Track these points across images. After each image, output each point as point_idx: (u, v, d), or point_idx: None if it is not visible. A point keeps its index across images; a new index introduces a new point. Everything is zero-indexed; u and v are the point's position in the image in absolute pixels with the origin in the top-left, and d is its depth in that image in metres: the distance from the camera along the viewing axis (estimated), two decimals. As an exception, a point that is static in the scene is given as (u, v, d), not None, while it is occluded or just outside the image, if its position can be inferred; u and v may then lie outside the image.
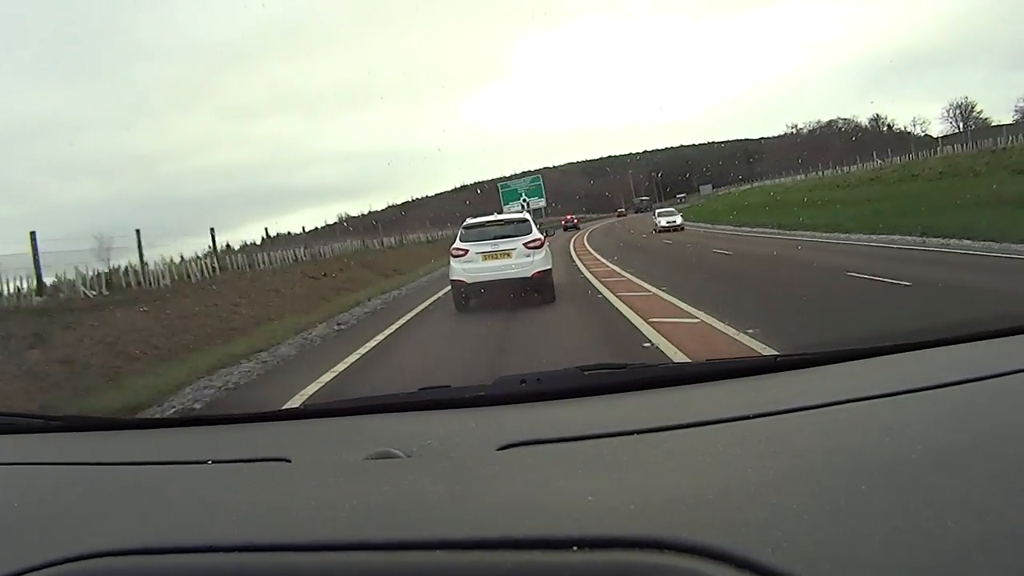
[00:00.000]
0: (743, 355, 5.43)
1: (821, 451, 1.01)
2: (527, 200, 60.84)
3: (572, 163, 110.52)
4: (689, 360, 5.67)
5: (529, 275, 10.44)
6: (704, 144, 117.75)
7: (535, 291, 10.58)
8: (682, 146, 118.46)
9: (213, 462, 1.29)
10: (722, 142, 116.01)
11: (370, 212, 72.47)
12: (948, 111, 79.52)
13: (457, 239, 11.05)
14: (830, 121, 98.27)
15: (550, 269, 10.98)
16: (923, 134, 79.64)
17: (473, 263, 10.58)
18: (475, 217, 11.90)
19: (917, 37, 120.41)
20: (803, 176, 65.44)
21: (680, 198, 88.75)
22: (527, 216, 11.65)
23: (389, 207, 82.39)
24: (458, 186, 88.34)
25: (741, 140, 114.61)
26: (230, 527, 0.96)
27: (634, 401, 1.39)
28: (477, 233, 10.98)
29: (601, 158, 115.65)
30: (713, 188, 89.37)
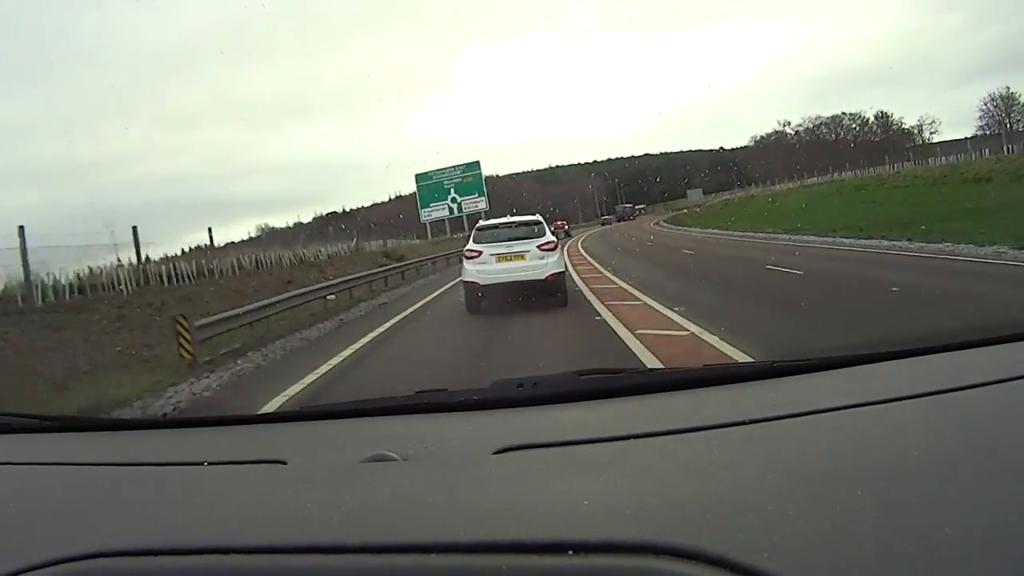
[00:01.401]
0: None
1: (817, 457, 1.01)
2: (458, 199, 49.28)
3: (524, 172, 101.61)
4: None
5: (543, 277, 10.37)
6: (661, 154, 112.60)
7: (549, 293, 10.53)
8: (633, 156, 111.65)
9: (209, 464, 1.29)
10: (675, 152, 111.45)
11: (297, 223, 64.45)
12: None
13: (470, 241, 11.02)
14: (833, 117, 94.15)
15: (564, 272, 10.97)
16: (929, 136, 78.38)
17: (487, 265, 10.53)
18: (486, 219, 11.95)
19: (861, 55, 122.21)
20: (799, 182, 62.68)
21: (640, 208, 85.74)
22: (540, 218, 11.58)
23: (316, 217, 73.51)
24: (394, 196, 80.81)
25: (695, 151, 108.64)
26: (226, 529, 0.96)
27: (630, 406, 1.39)
28: (490, 235, 10.94)
29: (552, 167, 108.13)
30: (704, 194, 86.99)
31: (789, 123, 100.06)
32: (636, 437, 1.14)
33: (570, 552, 0.76)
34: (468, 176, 50.86)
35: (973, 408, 1.13)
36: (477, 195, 49.94)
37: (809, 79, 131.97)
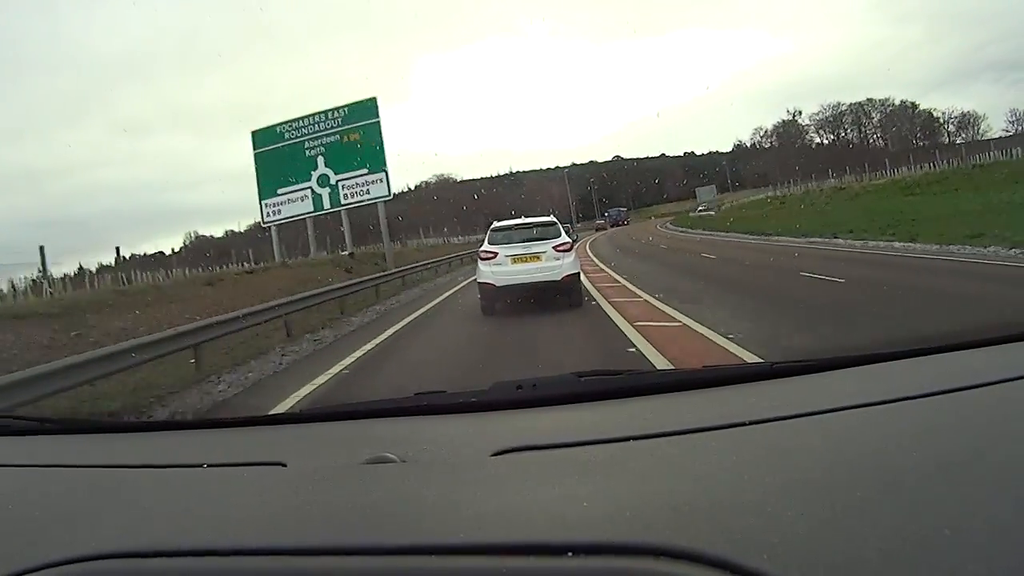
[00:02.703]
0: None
1: (816, 458, 1.01)
2: (332, 179, 25.36)
3: (485, 177, 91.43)
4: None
5: (559, 278, 10.34)
6: (632, 159, 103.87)
7: (564, 294, 10.51)
8: (603, 162, 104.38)
9: (209, 466, 1.29)
10: (643, 158, 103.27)
11: (230, 231, 58.81)
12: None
13: (485, 242, 10.99)
14: (856, 104, 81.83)
15: (579, 273, 10.95)
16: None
17: (502, 266, 10.50)
18: (501, 220, 11.84)
19: (826, 66, 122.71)
20: (817, 183, 56.49)
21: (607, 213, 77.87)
22: (555, 219, 11.54)
23: (254, 226, 69.35)
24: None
25: (660, 157, 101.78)
26: (225, 531, 0.97)
27: (630, 407, 1.39)
28: (505, 236, 10.90)
29: (514, 172, 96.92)
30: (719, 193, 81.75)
31: (800, 112, 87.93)
32: (636, 439, 1.14)
33: (569, 554, 0.76)
34: (352, 132, 25.77)
35: (972, 410, 1.13)
36: (369, 171, 25.48)
37: (773, 89, 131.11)
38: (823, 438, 1.09)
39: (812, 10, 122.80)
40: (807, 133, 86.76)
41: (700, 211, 61.12)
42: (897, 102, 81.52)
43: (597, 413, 1.39)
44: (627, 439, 1.14)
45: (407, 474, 1.11)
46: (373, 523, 0.93)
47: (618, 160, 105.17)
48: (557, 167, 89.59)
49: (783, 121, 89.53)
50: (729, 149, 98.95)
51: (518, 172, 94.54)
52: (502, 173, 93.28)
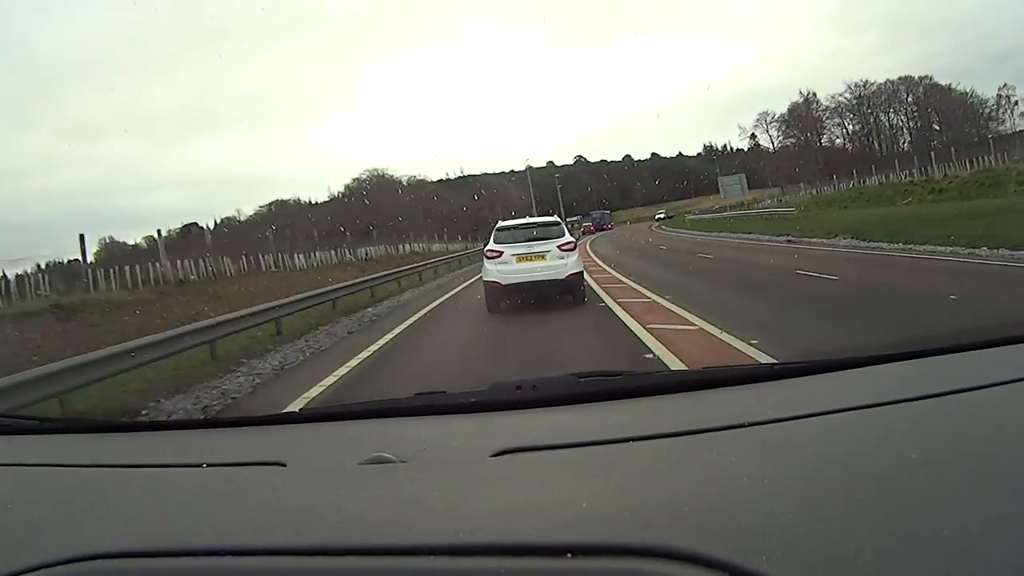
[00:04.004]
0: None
1: (817, 460, 1.01)
2: None
3: (438, 180, 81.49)
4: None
5: (563, 277, 10.57)
6: (600, 161, 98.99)
7: (567, 293, 10.73)
8: (563, 165, 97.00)
9: (208, 465, 1.29)
10: (610, 161, 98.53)
11: (150, 237, 47.53)
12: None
13: (491, 241, 11.22)
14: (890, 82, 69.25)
15: (582, 272, 11.17)
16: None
17: (508, 265, 10.72)
18: (505, 220, 12.08)
19: (777, 74, 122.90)
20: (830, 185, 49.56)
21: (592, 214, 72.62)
22: (558, 219, 11.84)
23: (184, 227, 57.28)
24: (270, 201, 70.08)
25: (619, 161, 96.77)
26: (224, 531, 0.97)
27: (630, 408, 1.39)
28: (510, 235, 11.14)
29: (466, 175, 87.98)
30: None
31: (814, 94, 74.40)
32: (635, 440, 1.14)
33: (569, 555, 0.76)
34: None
35: (972, 411, 1.13)
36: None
37: (726, 97, 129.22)
38: (823, 439, 1.09)
39: (765, 18, 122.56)
40: (823, 122, 74.09)
41: (727, 210, 48.56)
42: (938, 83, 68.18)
43: (597, 414, 1.39)
44: (627, 440, 1.14)
45: (407, 474, 1.11)
46: (373, 523, 0.93)
47: (581, 161, 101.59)
48: (512, 171, 79.49)
49: (795, 104, 75.94)
50: (695, 152, 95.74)
51: (471, 175, 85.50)
52: (453, 176, 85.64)
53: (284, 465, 1.23)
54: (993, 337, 1.45)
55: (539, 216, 12.34)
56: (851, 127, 74.15)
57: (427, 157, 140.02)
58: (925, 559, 0.70)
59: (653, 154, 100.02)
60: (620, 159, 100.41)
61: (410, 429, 1.43)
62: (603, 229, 61.90)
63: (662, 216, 69.38)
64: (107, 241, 52.56)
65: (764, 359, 5.52)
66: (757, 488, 0.90)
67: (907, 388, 1.24)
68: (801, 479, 0.94)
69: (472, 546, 0.81)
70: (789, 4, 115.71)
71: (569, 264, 10.68)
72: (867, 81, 72.18)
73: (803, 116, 74.41)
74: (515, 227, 11.52)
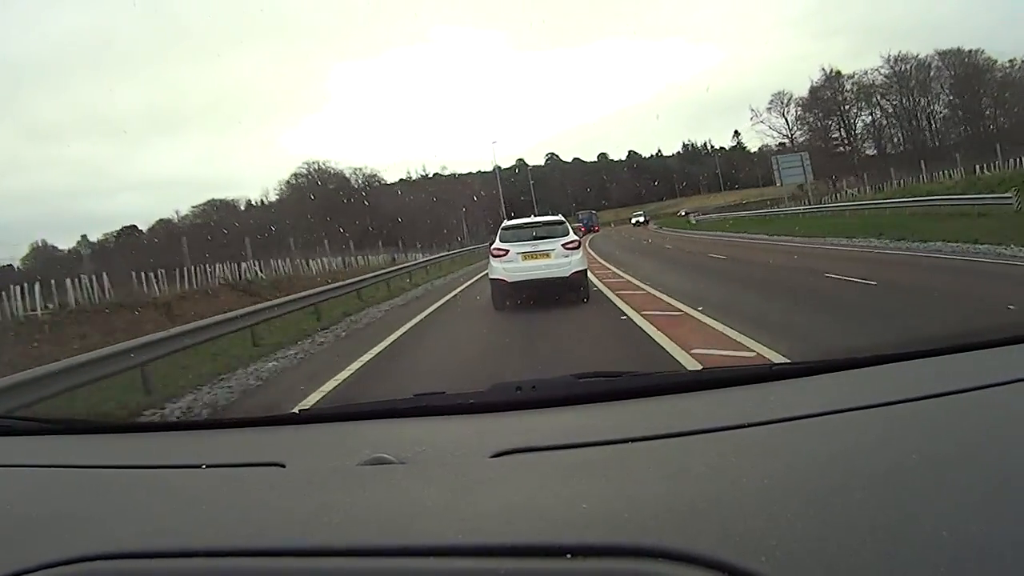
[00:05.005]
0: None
1: (816, 460, 1.01)
2: None
3: (402, 180, 72.31)
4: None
5: (568, 275, 10.76)
6: (573, 161, 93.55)
7: (572, 290, 10.88)
8: (530, 166, 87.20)
9: (207, 466, 1.29)
10: (576, 159, 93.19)
11: (82, 241, 42.27)
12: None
13: (496, 239, 11.41)
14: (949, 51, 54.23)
15: (586, 270, 11.37)
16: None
17: (513, 263, 10.88)
18: (511, 219, 12.28)
19: (747, 78, 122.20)
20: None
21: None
22: (563, 218, 12.08)
23: (121, 231, 54.96)
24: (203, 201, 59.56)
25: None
26: (224, 532, 0.97)
27: (629, 409, 1.39)
28: (515, 234, 11.35)
29: (431, 175, 78.94)
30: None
31: (838, 72, 59.46)
32: (635, 440, 1.14)
33: (568, 555, 0.76)
34: None
35: (971, 412, 1.14)
36: None
37: (697, 100, 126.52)
38: (822, 440, 1.09)
39: (734, 23, 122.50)
40: (857, 105, 58.96)
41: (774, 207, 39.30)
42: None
43: (596, 415, 1.39)
44: (626, 441, 1.15)
45: (406, 475, 1.12)
46: (372, 524, 0.93)
47: (554, 159, 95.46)
48: (481, 171, 72.57)
49: (818, 84, 60.12)
50: (674, 152, 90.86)
51: (436, 174, 77.78)
52: (417, 176, 76.23)
53: (283, 466, 1.23)
54: (993, 337, 1.45)
55: (544, 216, 12.67)
56: (891, 110, 59.14)
57: (394, 160, 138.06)
58: (924, 560, 0.71)
59: (631, 152, 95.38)
60: (596, 159, 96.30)
61: (409, 430, 1.43)
62: (592, 231, 55.79)
63: (642, 219, 62.63)
64: (38, 245, 47.33)
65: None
66: (756, 489, 0.90)
67: (907, 388, 1.25)
68: (800, 480, 0.94)
69: (471, 547, 0.82)
70: (760, 8, 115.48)
71: (573, 262, 10.88)
72: (906, 54, 57.23)
73: (827, 100, 59.92)
74: (520, 226, 11.77)
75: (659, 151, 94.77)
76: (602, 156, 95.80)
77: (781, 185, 41.45)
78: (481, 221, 59.37)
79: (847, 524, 0.78)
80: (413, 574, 0.79)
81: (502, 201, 56.61)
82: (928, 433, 1.08)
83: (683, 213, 65.20)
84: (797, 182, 42.01)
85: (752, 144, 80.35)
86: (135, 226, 58.18)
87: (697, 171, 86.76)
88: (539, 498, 0.96)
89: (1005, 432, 1.04)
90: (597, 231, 56.48)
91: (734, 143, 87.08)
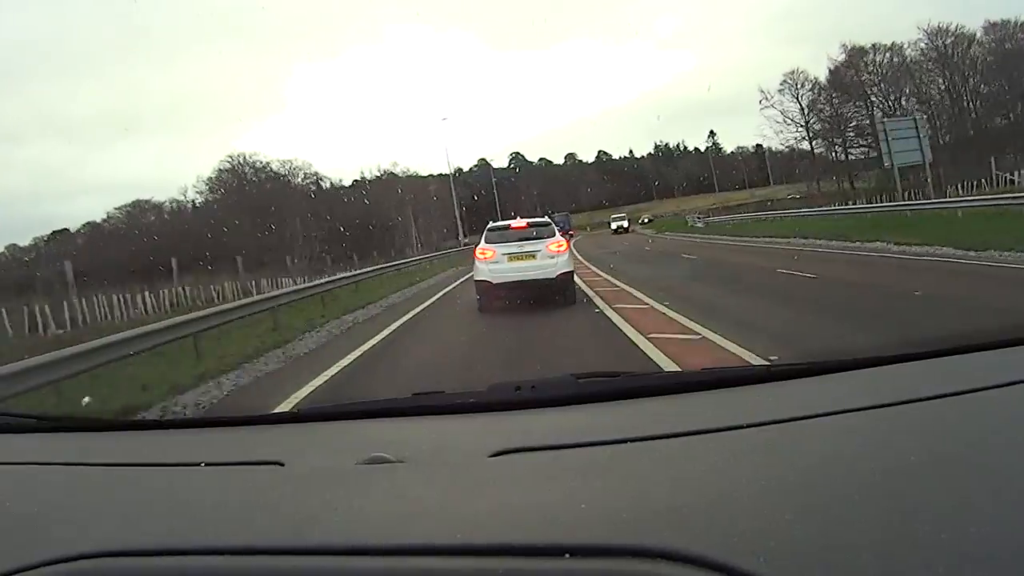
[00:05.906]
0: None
1: (814, 461, 1.01)
2: None
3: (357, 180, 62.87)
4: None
5: (553, 276, 10.69)
6: (542, 161, 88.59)
7: (557, 292, 10.82)
8: (497, 167, 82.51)
9: (206, 464, 1.29)
10: (543, 160, 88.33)
11: (12, 246, 46.08)
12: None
13: (482, 241, 11.37)
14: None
15: (572, 272, 11.32)
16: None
17: (499, 264, 10.83)
18: (496, 221, 12.28)
19: (710, 83, 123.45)
20: None
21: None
22: (549, 220, 12.09)
23: (51, 235, 49.38)
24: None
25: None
26: (222, 530, 0.97)
27: (627, 409, 1.39)
28: (501, 235, 11.31)
29: (385, 174, 66.07)
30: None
31: (862, 47, 49.18)
32: (633, 441, 1.14)
33: (567, 555, 0.76)
34: None
35: (969, 413, 1.14)
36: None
37: (658, 105, 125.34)
38: (821, 441, 1.09)
39: (701, 28, 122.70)
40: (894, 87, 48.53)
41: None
42: None
43: (595, 415, 1.39)
44: (625, 441, 1.15)
45: (405, 475, 1.12)
46: (370, 523, 0.93)
47: (519, 159, 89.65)
48: (440, 174, 64.08)
49: (837, 66, 50.19)
50: (646, 153, 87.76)
51: (387, 173, 65.60)
52: (371, 176, 65.14)
53: (282, 465, 1.23)
54: (993, 339, 1.45)
55: (531, 217, 12.70)
56: (935, 93, 48.63)
57: (355, 165, 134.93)
58: (924, 561, 0.71)
59: (601, 151, 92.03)
60: (563, 161, 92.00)
61: (408, 429, 1.43)
62: (567, 234, 53.35)
63: (624, 224, 54.97)
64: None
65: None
66: (755, 489, 0.90)
67: (906, 390, 1.25)
68: (799, 480, 0.94)
69: (470, 546, 0.82)
70: (727, 13, 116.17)
71: (559, 264, 10.82)
72: (946, 27, 46.50)
73: (849, 84, 49.82)
74: (505, 227, 11.72)
75: (631, 151, 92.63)
76: (570, 156, 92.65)
77: (891, 166, 28.05)
78: (434, 228, 56.03)
79: (846, 525, 0.78)
80: (412, 573, 0.80)
81: (456, 208, 51.01)
82: (928, 434, 1.08)
83: (649, 220, 60.77)
84: (911, 162, 27.97)
85: (728, 145, 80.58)
86: (67, 229, 53.26)
87: (670, 173, 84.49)
88: (538, 498, 0.96)
89: (1004, 434, 1.04)
90: (574, 235, 48.81)
91: (709, 143, 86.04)
